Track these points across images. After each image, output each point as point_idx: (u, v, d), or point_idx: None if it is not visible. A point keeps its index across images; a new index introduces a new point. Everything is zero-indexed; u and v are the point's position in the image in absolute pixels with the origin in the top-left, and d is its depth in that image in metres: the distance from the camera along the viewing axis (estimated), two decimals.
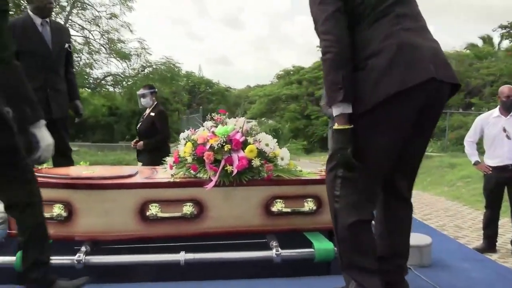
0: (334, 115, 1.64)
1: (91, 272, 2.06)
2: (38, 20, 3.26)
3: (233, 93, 37.04)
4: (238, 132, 2.27)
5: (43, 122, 1.72)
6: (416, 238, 2.20)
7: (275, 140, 2.42)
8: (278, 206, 2.29)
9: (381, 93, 1.57)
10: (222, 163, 2.17)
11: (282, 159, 2.35)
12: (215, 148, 2.19)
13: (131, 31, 19.61)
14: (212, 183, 2.15)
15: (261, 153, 2.26)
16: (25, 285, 1.75)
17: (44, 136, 1.73)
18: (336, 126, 1.63)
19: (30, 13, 3.27)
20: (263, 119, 25.07)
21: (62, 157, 3.19)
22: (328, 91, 1.65)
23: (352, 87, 1.60)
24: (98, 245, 2.21)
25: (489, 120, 4.25)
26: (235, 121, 2.35)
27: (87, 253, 2.06)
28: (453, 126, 13.88)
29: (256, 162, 2.22)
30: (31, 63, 3.01)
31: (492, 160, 4.22)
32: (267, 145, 2.30)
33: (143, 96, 4.67)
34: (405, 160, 1.77)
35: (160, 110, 4.68)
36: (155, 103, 4.72)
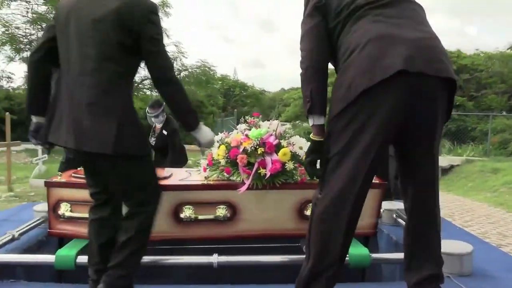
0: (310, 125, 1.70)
1: None
2: None
3: (268, 95, 37.07)
4: (271, 135, 2.25)
5: (201, 124, 1.91)
6: (456, 246, 2.11)
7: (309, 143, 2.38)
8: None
9: (352, 93, 1.53)
10: (256, 166, 2.16)
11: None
12: (249, 151, 2.18)
13: (167, 35, 19.98)
14: (245, 186, 2.14)
15: (294, 156, 2.24)
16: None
17: (205, 135, 1.91)
18: (311, 136, 1.71)
19: None
20: (297, 121, 24.88)
21: None
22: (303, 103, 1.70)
23: (323, 99, 1.66)
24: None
25: None
26: (269, 124, 2.34)
27: None
28: (496, 129, 13.33)
29: (290, 166, 2.19)
30: None
31: None
32: (300, 148, 2.27)
33: (156, 116, 4.59)
34: (412, 173, 1.68)
35: (172, 128, 4.62)
36: (165, 117, 4.66)
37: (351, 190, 1.58)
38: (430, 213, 1.69)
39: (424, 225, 1.70)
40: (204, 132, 1.90)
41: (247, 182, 2.15)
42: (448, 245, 2.02)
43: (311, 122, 1.68)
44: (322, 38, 1.65)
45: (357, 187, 1.58)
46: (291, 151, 2.23)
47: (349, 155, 1.57)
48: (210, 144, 1.98)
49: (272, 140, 2.22)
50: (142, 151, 1.77)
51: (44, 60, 1.82)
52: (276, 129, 2.31)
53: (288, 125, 2.50)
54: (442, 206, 2.09)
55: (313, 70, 1.65)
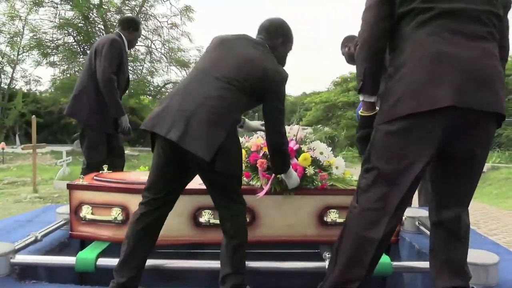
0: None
1: (145, 275, 2.10)
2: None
3: (289, 99, 36.99)
4: (292, 140, 2.23)
5: (291, 169, 2.12)
6: (482, 256, 2.05)
7: (330, 148, 2.36)
8: (332, 216, 2.23)
9: (398, 111, 1.54)
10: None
11: (337, 168, 2.30)
12: (268, 156, 2.17)
13: (190, 40, 20.19)
14: (264, 191, 2.13)
15: (315, 162, 2.22)
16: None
17: (292, 181, 2.14)
18: (360, 112, 1.78)
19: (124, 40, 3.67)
20: (319, 126, 24.82)
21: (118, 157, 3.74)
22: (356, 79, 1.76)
23: (375, 80, 1.68)
24: (153, 249, 2.25)
25: None
26: (289, 128, 2.33)
27: None
28: None
29: (310, 171, 2.18)
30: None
31: None
32: (321, 153, 2.25)
33: None
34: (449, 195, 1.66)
35: None
36: None
37: (391, 202, 1.56)
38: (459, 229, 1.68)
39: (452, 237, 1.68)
40: (292, 177, 2.10)
41: (266, 187, 2.14)
42: (473, 255, 1.96)
43: (361, 98, 1.74)
44: (386, 16, 1.61)
45: (397, 200, 1.56)
46: (311, 156, 2.20)
47: (394, 168, 1.56)
48: (295, 186, 2.15)
49: (293, 145, 2.20)
50: (233, 169, 1.90)
51: None
52: (297, 134, 2.29)
53: (309, 129, 2.49)
54: None
55: (369, 48, 1.64)
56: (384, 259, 2.05)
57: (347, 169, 2.39)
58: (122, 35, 3.66)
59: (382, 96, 1.65)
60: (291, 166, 2.08)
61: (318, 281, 2.13)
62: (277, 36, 2.07)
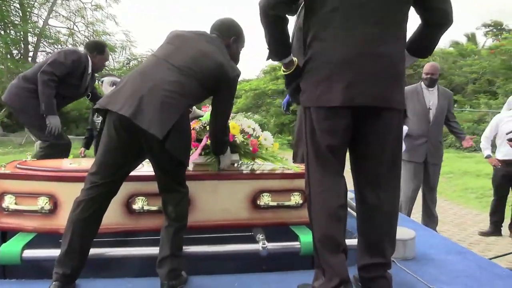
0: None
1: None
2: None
3: None
4: None
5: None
6: (400, 232, 2.22)
7: (258, 125, 2.50)
8: (265, 199, 2.30)
9: (308, 101, 1.74)
10: (204, 139, 2.29)
11: (265, 139, 2.45)
12: (198, 130, 2.32)
13: (116, 23, 19.39)
14: (195, 155, 2.25)
15: (244, 132, 2.37)
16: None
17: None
18: (282, 71, 1.91)
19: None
20: (249, 113, 24.92)
21: None
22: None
23: (279, 47, 1.84)
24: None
25: (503, 119, 4.82)
26: None
27: None
28: None
29: (240, 138, 2.31)
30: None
31: (500, 154, 4.84)
32: (249, 126, 2.39)
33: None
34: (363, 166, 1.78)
35: None
36: None
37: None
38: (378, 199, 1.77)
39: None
40: (226, 158, 2.27)
41: (197, 152, 2.27)
42: None
43: (277, 62, 1.91)
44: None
45: None
46: (240, 126, 2.38)
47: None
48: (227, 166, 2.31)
49: None
50: (181, 157, 1.94)
51: None
52: None
53: (240, 116, 2.55)
54: None
55: (265, 16, 1.76)
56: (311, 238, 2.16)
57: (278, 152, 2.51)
58: (88, 56, 3.83)
59: (304, 74, 1.81)
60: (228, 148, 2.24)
61: (253, 264, 2.21)
62: (229, 35, 2.17)
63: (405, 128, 4.08)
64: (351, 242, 1.95)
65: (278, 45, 1.83)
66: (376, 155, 1.73)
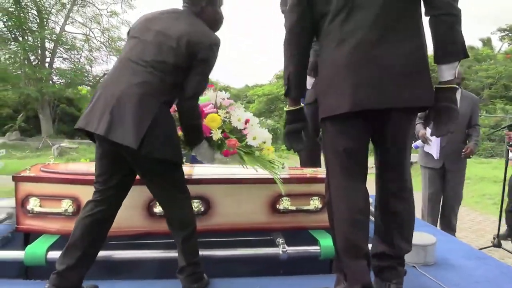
0: None
1: (98, 267, 2.08)
2: None
3: (232, 92, 36.95)
4: (210, 104, 2.12)
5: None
6: (421, 238, 2.22)
7: (257, 120, 2.20)
8: (284, 204, 2.31)
9: (321, 112, 1.71)
10: (179, 129, 2.00)
11: (254, 138, 2.10)
12: None
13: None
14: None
15: (227, 125, 2.09)
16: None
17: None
18: (286, 108, 1.84)
19: None
20: (261, 118, 25.02)
21: None
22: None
23: (299, 84, 1.78)
24: (100, 244, 2.22)
25: None
26: (215, 94, 2.19)
27: None
28: None
29: (217, 135, 2.02)
30: None
31: None
32: (239, 120, 2.10)
33: None
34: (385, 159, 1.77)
35: None
36: None
37: None
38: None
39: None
40: (202, 151, 2.04)
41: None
42: (413, 237, 2.13)
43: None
44: (306, 17, 1.72)
45: None
46: (226, 120, 2.08)
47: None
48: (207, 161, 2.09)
49: (209, 108, 2.09)
50: (167, 156, 1.82)
51: None
52: (216, 98, 2.16)
53: (237, 104, 2.34)
54: None
55: (288, 56, 1.76)
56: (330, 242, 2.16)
57: (272, 147, 2.21)
58: None
59: (318, 84, 1.78)
60: (204, 140, 2.01)
61: (270, 267, 2.21)
62: (199, 0, 1.96)
63: (428, 131, 3.99)
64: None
65: (299, 82, 1.79)
66: (388, 151, 1.74)
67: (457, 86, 3.99)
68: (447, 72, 1.62)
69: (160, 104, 1.78)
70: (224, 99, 2.18)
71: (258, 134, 2.10)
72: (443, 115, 1.64)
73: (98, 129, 1.74)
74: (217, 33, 1.98)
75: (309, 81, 3.24)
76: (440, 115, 1.64)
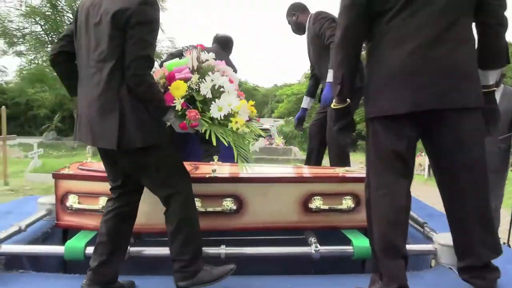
0: None
1: (134, 263, 2.13)
2: None
3: (261, 91, 37.11)
4: (186, 67, 1.89)
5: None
6: None
7: (233, 86, 1.93)
8: (316, 203, 2.30)
9: (370, 112, 1.72)
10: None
11: (220, 109, 1.81)
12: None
13: (162, 30, 19.90)
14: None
15: (197, 94, 1.83)
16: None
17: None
18: (332, 105, 1.87)
19: None
20: (290, 118, 25.01)
21: None
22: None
23: (350, 85, 1.79)
24: (141, 238, 2.28)
25: None
26: (192, 56, 1.94)
27: (130, 245, 2.12)
28: None
29: (178, 105, 1.78)
30: None
31: None
32: (214, 87, 1.84)
33: None
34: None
35: None
36: None
37: None
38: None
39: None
40: (171, 119, 1.87)
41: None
42: (449, 238, 2.07)
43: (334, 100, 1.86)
44: (362, 16, 1.69)
45: None
46: (192, 89, 1.82)
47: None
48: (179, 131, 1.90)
49: (184, 73, 1.86)
50: (149, 141, 1.76)
51: None
52: (192, 59, 1.93)
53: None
54: (436, 202, 2.13)
55: (344, 56, 1.75)
56: (366, 242, 2.14)
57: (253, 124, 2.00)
58: None
59: (369, 86, 1.76)
60: (170, 109, 1.82)
61: (301, 267, 2.21)
62: None
63: None
64: (410, 247, 1.92)
65: (352, 84, 1.80)
66: (453, 156, 1.68)
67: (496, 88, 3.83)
68: (491, 77, 1.71)
69: (121, 96, 1.71)
70: (207, 60, 1.95)
71: (226, 103, 1.82)
72: (490, 116, 1.70)
73: (87, 140, 1.82)
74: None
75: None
76: (488, 117, 1.69)
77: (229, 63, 3.38)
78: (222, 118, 1.80)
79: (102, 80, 1.72)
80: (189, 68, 1.88)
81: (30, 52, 18.36)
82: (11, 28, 17.68)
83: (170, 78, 1.83)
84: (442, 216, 2.93)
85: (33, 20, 17.79)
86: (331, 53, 3.10)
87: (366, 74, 1.78)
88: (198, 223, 1.89)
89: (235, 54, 3.86)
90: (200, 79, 1.84)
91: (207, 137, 1.77)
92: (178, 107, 1.77)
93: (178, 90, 1.78)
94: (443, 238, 2.13)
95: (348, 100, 1.84)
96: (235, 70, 3.51)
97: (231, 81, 1.93)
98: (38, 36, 18.26)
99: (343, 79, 1.76)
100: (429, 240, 2.22)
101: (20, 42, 18.01)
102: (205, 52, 2.03)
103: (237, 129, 1.82)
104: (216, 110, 1.80)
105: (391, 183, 1.68)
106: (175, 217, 1.82)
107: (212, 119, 1.81)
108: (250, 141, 1.90)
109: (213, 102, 1.81)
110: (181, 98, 1.78)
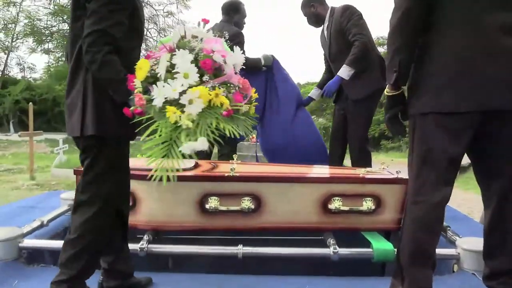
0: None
1: (152, 260, 2.14)
2: None
3: None
4: (168, 45, 1.52)
5: None
6: (480, 243, 2.10)
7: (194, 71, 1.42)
8: (336, 204, 2.27)
9: (422, 106, 1.55)
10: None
11: (160, 94, 1.37)
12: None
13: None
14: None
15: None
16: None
17: None
18: (386, 92, 1.69)
19: None
20: (313, 117, 24.79)
21: None
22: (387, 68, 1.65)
23: (408, 72, 1.61)
24: (160, 235, 2.29)
25: None
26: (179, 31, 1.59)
27: (149, 242, 2.13)
28: None
29: (138, 88, 1.45)
30: None
31: None
32: (170, 67, 1.43)
33: None
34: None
35: None
36: None
37: None
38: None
39: None
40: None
41: None
42: (473, 242, 2.02)
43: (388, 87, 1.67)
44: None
45: None
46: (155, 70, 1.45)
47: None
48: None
49: (160, 51, 1.53)
50: (98, 131, 1.58)
51: None
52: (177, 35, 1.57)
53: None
54: (460, 204, 2.06)
55: (402, 41, 1.58)
56: (387, 245, 2.10)
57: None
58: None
59: (419, 77, 1.60)
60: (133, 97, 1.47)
61: (319, 268, 2.18)
62: None
63: None
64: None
65: (408, 70, 1.62)
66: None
67: None
68: None
69: (85, 80, 1.58)
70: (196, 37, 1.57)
71: (169, 88, 1.37)
72: None
73: (67, 130, 1.69)
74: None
75: (348, 73, 3.16)
76: None
77: (235, 35, 3.32)
78: (161, 105, 1.37)
79: (71, 66, 1.62)
80: (169, 47, 1.51)
81: (57, 50, 18.79)
82: (39, 27, 18.12)
83: (147, 58, 1.53)
84: (465, 219, 2.87)
85: (61, 18, 18.19)
86: (353, 50, 3.05)
87: (417, 63, 1.61)
88: (102, 242, 1.67)
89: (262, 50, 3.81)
90: (172, 57, 1.46)
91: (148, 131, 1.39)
92: (139, 90, 1.43)
93: (141, 70, 1.45)
94: (467, 242, 2.07)
95: (402, 88, 1.69)
96: (241, 43, 3.41)
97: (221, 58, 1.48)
98: (66, 34, 18.65)
99: (400, 67, 1.58)
100: (452, 244, 2.16)
101: (48, 40, 18.44)
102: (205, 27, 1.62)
103: (176, 122, 1.34)
104: (159, 95, 1.38)
105: (435, 189, 1.55)
106: (79, 227, 1.61)
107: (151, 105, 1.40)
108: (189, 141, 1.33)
109: (156, 84, 1.41)
110: (143, 81, 1.44)
